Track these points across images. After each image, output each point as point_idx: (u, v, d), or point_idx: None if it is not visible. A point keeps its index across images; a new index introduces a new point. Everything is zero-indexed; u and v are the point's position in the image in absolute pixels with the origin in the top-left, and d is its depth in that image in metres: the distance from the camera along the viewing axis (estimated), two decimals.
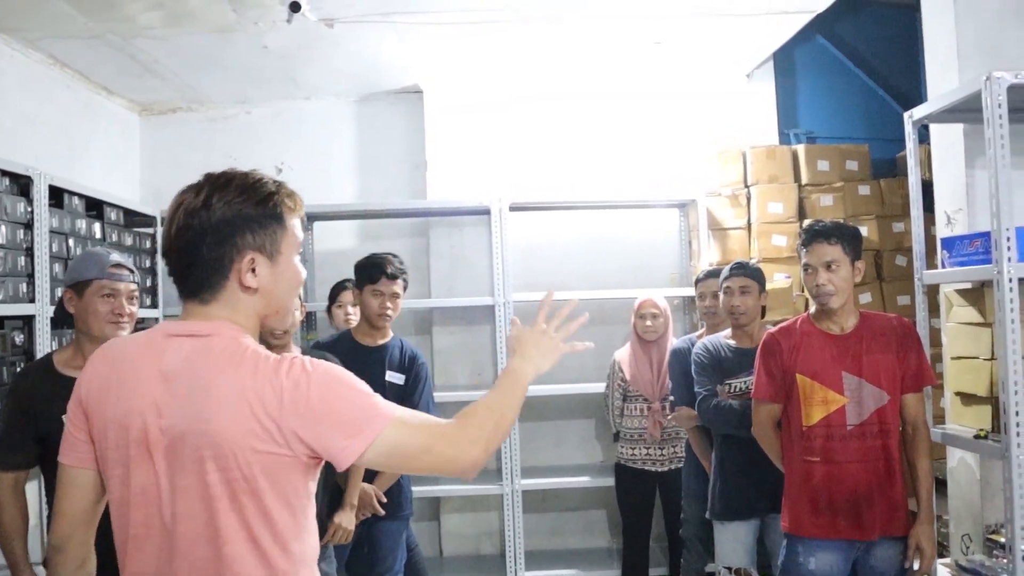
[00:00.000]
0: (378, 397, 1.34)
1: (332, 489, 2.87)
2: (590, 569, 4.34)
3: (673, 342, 3.76)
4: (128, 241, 3.76)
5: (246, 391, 1.26)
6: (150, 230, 4.04)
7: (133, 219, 3.90)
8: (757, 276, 3.15)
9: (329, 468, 2.79)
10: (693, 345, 3.54)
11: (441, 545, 4.67)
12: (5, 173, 2.87)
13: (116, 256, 2.33)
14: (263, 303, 1.38)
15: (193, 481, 1.27)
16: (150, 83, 4.35)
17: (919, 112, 2.73)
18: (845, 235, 2.46)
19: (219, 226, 1.32)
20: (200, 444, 1.26)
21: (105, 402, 1.34)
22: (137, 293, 2.37)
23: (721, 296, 3.19)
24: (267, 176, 1.40)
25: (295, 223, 1.41)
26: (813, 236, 2.48)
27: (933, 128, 3.09)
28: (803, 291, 4.34)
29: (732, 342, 3.16)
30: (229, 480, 1.26)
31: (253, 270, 1.34)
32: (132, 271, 2.35)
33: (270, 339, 2.74)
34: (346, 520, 2.88)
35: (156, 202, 4.32)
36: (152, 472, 1.29)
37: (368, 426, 1.29)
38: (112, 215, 3.64)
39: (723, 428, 3.07)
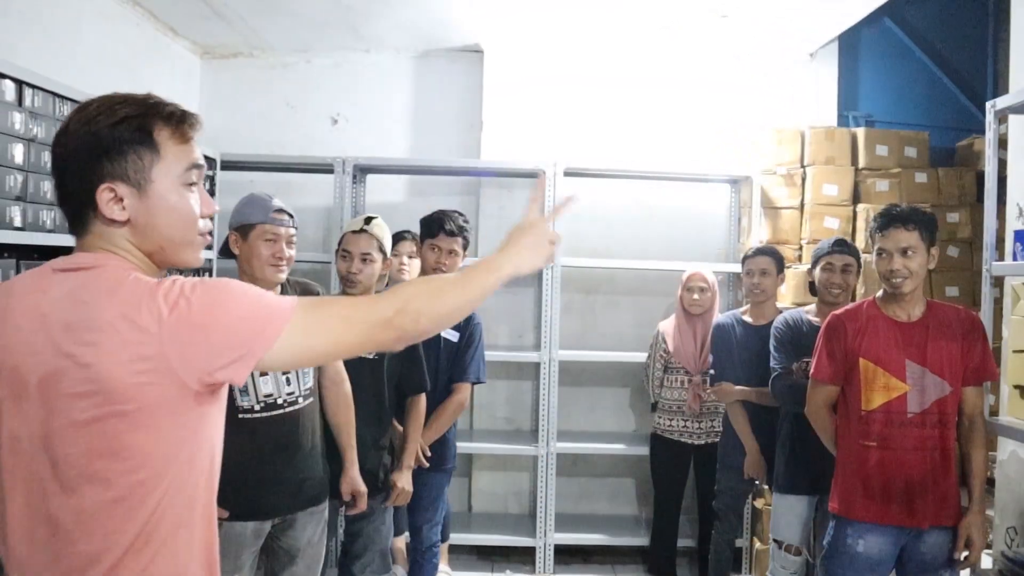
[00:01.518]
0: (273, 296, 1.23)
1: (390, 448, 2.92)
2: (617, 535, 4.41)
3: (718, 317, 3.78)
4: None
5: (123, 320, 1.14)
6: (209, 172, 4.09)
7: None
8: (858, 255, 3.13)
9: (386, 427, 2.81)
10: (736, 321, 3.56)
11: (471, 501, 4.75)
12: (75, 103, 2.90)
13: (278, 201, 2.42)
14: (139, 238, 1.24)
15: (67, 422, 1.16)
16: (216, 26, 4.35)
17: (1003, 102, 2.69)
18: (922, 221, 2.44)
19: (77, 152, 1.19)
20: (76, 380, 1.14)
21: None
22: (295, 238, 2.46)
23: (817, 272, 3.13)
24: (138, 96, 1.25)
25: (176, 148, 1.24)
26: (890, 221, 2.45)
27: (1012, 119, 3.05)
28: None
29: (815, 320, 3.11)
30: (105, 417, 1.15)
31: (119, 201, 1.20)
32: (291, 216, 2.45)
33: (349, 289, 2.79)
34: (404, 481, 2.89)
35: (214, 145, 4.37)
36: (21, 415, 1.19)
37: (262, 332, 1.17)
38: None
39: (793, 407, 3.06)
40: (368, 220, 2.87)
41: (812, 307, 3.21)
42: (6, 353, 1.20)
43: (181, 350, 1.14)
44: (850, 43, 4.93)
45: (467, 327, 3.24)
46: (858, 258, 3.13)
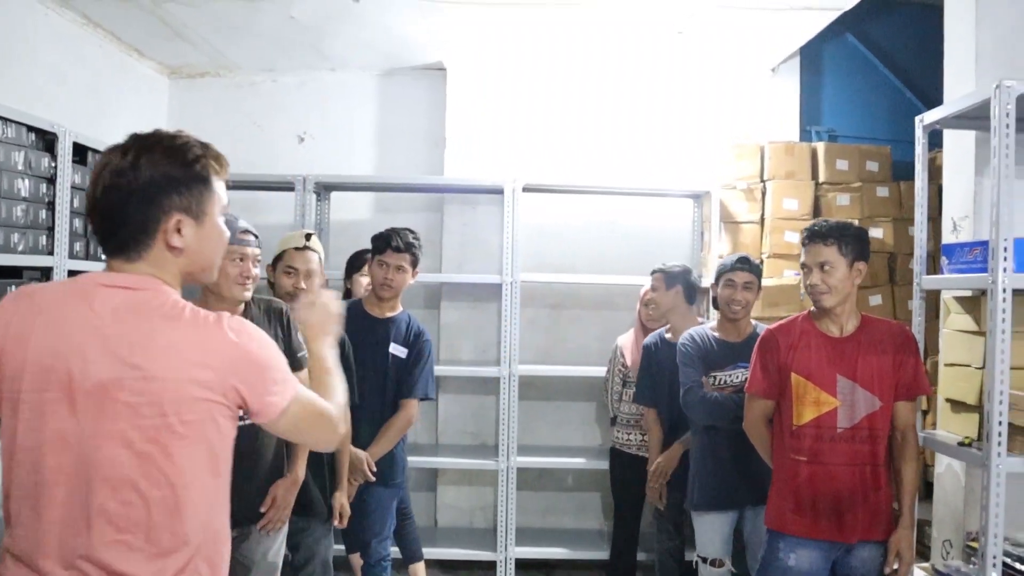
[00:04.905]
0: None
1: (328, 469, 2.94)
2: (579, 549, 4.41)
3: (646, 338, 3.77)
4: None
5: (188, 344, 1.33)
6: None
7: None
8: (759, 272, 3.20)
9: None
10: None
11: (436, 516, 4.76)
12: (31, 129, 2.96)
13: (243, 222, 2.49)
14: (187, 262, 1.41)
15: (122, 427, 1.29)
16: (180, 47, 4.42)
17: (930, 117, 2.72)
18: (843, 236, 2.45)
19: (146, 187, 1.35)
20: (135, 391, 1.29)
21: (25, 343, 1.32)
22: (260, 257, 2.53)
23: (719, 288, 3.20)
24: (193, 138, 1.42)
25: (220, 185, 1.45)
26: (810, 236, 2.49)
27: (946, 134, 3.08)
28: None
29: (717, 334, 3.18)
30: (160, 427, 1.30)
31: (179, 231, 1.38)
32: (256, 236, 2.52)
33: (290, 301, 2.83)
34: (345, 501, 2.95)
35: None
36: (71, 417, 1.29)
37: (286, 386, 1.42)
38: None
39: (707, 420, 3.10)
40: (308, 236, 2.92)
41: (714, 322, 3.26)
42: (59, 358, 1.30)
43: (237, 379, 1.35)
44: (812, 58, 4.96)
45: (416, 342, 3.26)
46: (760, 275, 3.20)
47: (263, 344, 1.41)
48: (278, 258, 2.93)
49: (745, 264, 3.15)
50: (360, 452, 3.09)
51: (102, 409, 1.29)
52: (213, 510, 1.41)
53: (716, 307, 3.31)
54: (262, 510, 2.55)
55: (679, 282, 3.55)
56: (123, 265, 1.38)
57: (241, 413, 1.42)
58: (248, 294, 2.50)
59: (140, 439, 1.29)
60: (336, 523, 2.93)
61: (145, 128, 1.45)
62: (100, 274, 1.39)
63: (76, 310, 1.33)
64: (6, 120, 2.81)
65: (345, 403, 1.58)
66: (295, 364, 2.64)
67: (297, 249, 2.90)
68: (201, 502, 1.37)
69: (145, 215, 1.36)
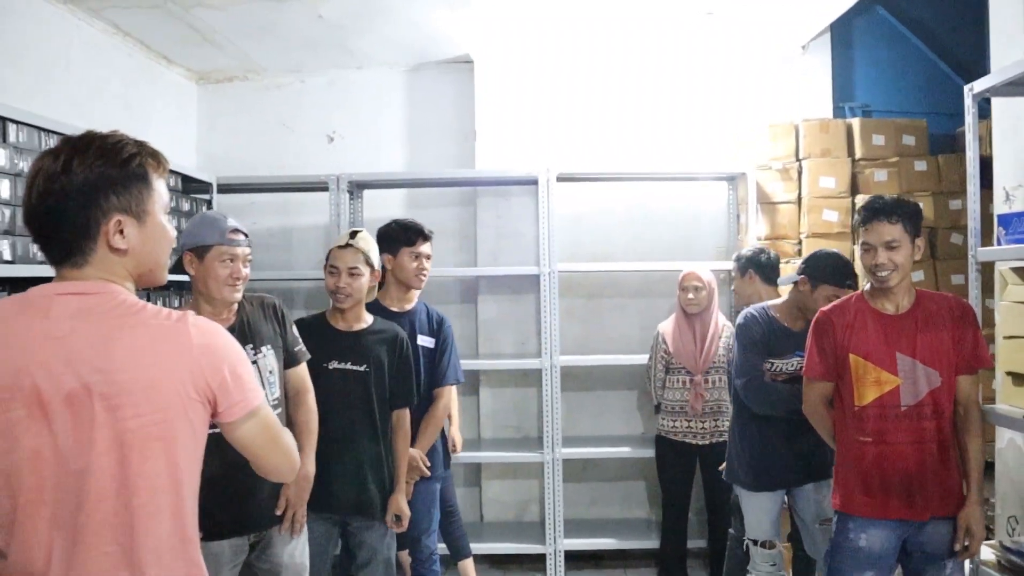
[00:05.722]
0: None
1: (388, 469, 2.90)
2: (628, 539, 4.38)
3: (719, 316, 3.73)
4: (185, 207, 3.86)
5: (153, 343, 1.31)
6: (206, 196, 4.15)
7: (190, 185, 4.01)
8: None
9: (383, 440, 2.80)
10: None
11: (482, 511, 4.76)
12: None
13: (232, 221, 2.42)
14: (134, 263, 1.38)
15: (104, 433, 1.27)
16: (208, 52, 4.43)
17: (980, 85, 2.65)
18: (906, 213, 2.40)
19: (82, 189, 1.31)
20: (107, 395, 1.26)
21: None
22: (251, 257, 2.47)
23: (820, 295, 2.97)
24: (128, 137, 1.39)
25: (160, 183, 1.41)
26: (873, 214, 2.42)
27: (995, 102, 3.01)
28: None
29: (779, 317, 3.09)
30: (137, 429, 1.28)
31: (121, 232, 1.34)
32: (246, 235, 2.46)
33: (338, 303, 2.82)
34: (404, 503, 2.90)
35: (212, 169, 4.44)
36: (47, 432, 1.27)
37: (255, 393, 1.42)
38: (170, 181, 3.73)
39: (765, 410, 3.04)
40: (353, 234, 2.90)
41: (777, 303, 3.17)
42: (21, 375, 1.26)
43: (211, 372, 1.35)
44: (843, 34, 4.89)
45: (441, 330, 3.25)
46: None
47: (230, 344, 1.41)
48: (327, 258, 2.91)
49: (853, 280, 3.03)
50: (412, 450, 3.06)
51: (79, 418, 1.26)
52: (189, 514, 1.39)
53: (792, 283, 3.15)
54: (278, 512, 2.49)
55: (751, 266, 3.49)
56: (72, 272, 1.34)
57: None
58: (239, 295, 2.42)
59: (120, 444, 1.27)
60: (391, 525, 2.86)
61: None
62: (52, 284, 1.35)
63: (31, 324, 1.30)
64: (47, 131, 2.82)
65: (297, 465, 1.58)
66: (293, 358, 2.60)
67: (339, 247, 2.88)
68: (176, 505, 1.35)
69: (84, 218, 1.32)
